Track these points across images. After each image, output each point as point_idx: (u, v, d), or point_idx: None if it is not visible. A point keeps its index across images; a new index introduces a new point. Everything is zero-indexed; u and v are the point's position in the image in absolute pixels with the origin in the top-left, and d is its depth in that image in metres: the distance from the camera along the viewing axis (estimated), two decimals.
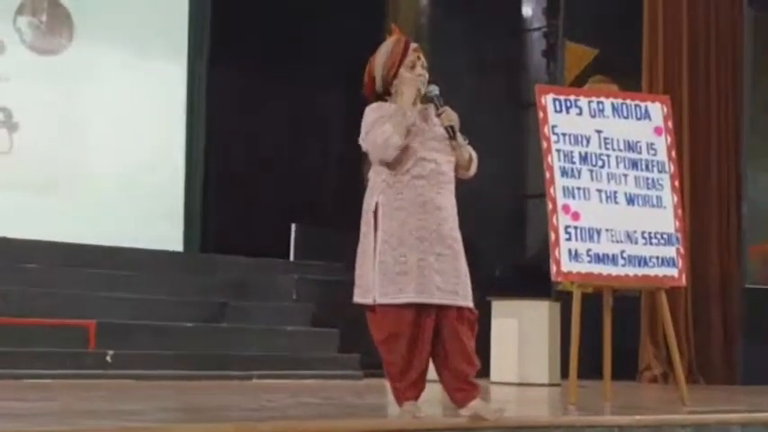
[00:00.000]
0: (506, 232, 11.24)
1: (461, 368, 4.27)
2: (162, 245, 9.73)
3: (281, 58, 10.64)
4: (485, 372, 8.71)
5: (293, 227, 10.46)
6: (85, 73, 9.95)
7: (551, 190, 6.00)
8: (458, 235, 4.34)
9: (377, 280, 4.19)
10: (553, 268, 5.92)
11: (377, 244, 4.22)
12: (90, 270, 8.59)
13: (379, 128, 4.23)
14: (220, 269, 9.61)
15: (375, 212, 4.26)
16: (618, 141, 6.17)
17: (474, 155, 4.46)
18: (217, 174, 10.69)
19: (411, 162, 4.26)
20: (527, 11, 11.88)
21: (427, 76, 4.39)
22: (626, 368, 8.70)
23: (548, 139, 6.06)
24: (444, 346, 4.26)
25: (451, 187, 4.38)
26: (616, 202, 6.06)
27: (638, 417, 4.89)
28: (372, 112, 4.33)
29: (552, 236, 5.94)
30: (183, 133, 10.47)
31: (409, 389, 4.29)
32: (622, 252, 6.00)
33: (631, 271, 6.02)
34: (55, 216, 9.43)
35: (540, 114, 6.14)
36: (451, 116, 4.34)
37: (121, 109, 10.03)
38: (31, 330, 7.39)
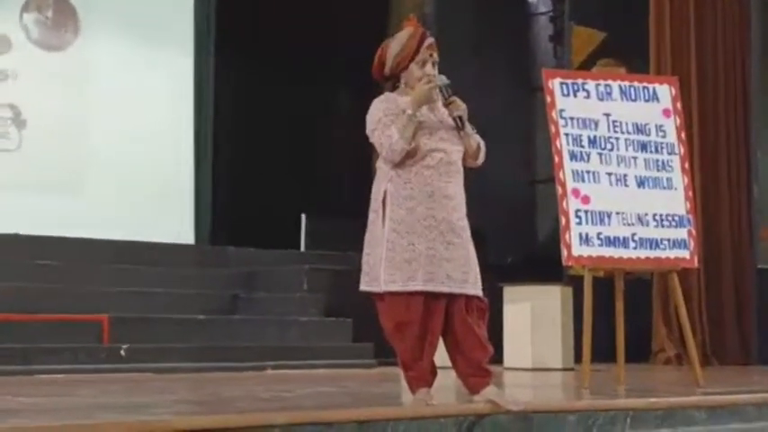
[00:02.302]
0: (517, 218, 11.22)
1: (474, 355, 4.28)
2: (173, 238, 9.76)
3: (288, 49, 10.64)
4: (498, 357, 8.74)
5: (303, 217, 10.47)
6: (92, 68, 9.97)
7: (561, 174, 5.98)
8: (466, 224, 4.35)
9: (384, 267, 4.20)
10: (564, 252, 5.90)
11: (385, 232, 4.22)
12: (102, 265, 8.63)
13: (385, 129, 4.24)
14: (232, 261, 9.63)
15: (383, 201, 4.26)
16: (627, 124, 6.14)
17: (482, 144, 4.46)
18: (226, 166, 10.71)
19: (420, 153, 4.26)
20: None
21: (436, 73, 4.37)
22: (639, 351, 8.70)
23: (556, 124, 6.04)
24: (456, 333, 4.27)
25: (460, 177, 4.37)
26: (626, 185, 6.04)
27: (652, 399, 4.88)
28: (378, 107, 4.33)
29: (563, 220, 5.92)
30: (191, 126, 10.49)
31: (422, 376, 4.31)
32: (633, 235, 5.98)
33: (643, 253, 6.00)
34: (65, 212, 9.46)
35: (548, 99, 6.11)
36: (460, 106, 4.34)
37: (129, 103, 10.05)
38: (44, 326, 7.43)
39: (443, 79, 4.36)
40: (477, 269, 4.32)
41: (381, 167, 4.35)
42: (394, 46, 4.37)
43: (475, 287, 4.28)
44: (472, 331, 4.25)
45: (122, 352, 7.38)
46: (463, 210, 4.35)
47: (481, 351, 4.28)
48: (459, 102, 4.34)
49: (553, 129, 6.04)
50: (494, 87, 10.85)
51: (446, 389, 4.92)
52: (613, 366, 6.31)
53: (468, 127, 4.38)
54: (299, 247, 10.31)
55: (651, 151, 6.15)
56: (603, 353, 6.98)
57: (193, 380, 6.76)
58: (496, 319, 8.79)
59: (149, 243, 9.28)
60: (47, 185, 9.51)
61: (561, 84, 6.12)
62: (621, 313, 6.10)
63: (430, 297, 4.21)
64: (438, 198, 4.24)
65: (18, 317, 7.38)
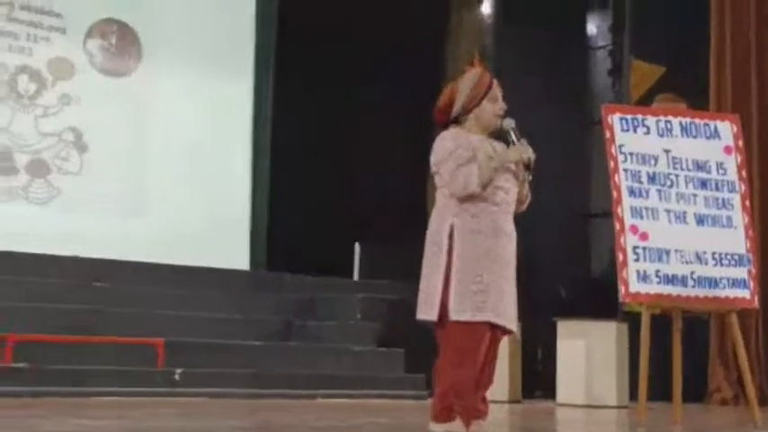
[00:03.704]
0: (571, 252, 11.14)
1: (488, 385, 4.43)
2: (229, 264, 9.82)
3: (345, 77, 10.70)
4: (551, 393, 8.66)
5: (357, 246, 10.49)
6: (153, 93, 10.11)
7: (619, 210, 5.95)
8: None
9: (454, 298, 4.28)
10: (621, 289, 5.86)
11: (452, 264, 4.32)
12: (158, 288, 8.70)
13: (462, 166, 4.33)
14: (286, 288, 9.66)
15: (450, 235, 4.35)
16: (687, 161, 6.10)
17: (529, 193, 4.59)
18: (282, 193, 10.77)
19: (488, 190, 4.37)
20: (592, 29, 11.81)
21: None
22: (695, 390, 8.57)
23: (615, 159, 6.02)
24: (486, 363, 4.40)
25: (512, 215, 4.51)
26: (685, 223, 5.99)
27: None
28: (451, 139, 4.43)
29: (620, 256, 5.88)
30: (249, 152, 10.58)
31: (475, 406, 4.35)
32: (692, 273, 5.92)
33: (701, 292, 5.94)
34: (123, 235, 9.57)
35: (607, 134, 6.09)
36: (529, 149, 4.44)
37: (188, 128, 10.17)
38: (100, 348, 7.51)
39: (511, 122, 4.46)
40: None
41: (445, 201, 4.42)
42: (466, 83, 4.48)
43: (517, 324, 4.47)
44: (494, 363, 4.44)
45: (176, 376, 7.43)
46: (515, 247, 4.49)
47: (491, 383, 4.44)
48: (527, 146, 4.44)
49: (612, 164, 6.01)
50: (550, 120, 10.81)
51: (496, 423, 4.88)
52: (668, 405, 6.23)
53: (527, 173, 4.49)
54: (352, 275, 10.32)
55: (711, 189, 6.10)
56: (659, 391, 6.89)
57: (246, 406, 6.78)
58: (550, 353, 8.73)
59: (205, 268, 9.35)
60: (106, 209, 9.63)
61: (621, 119, 6.10)
62: (679, 352, 6.03)
63: (492, 328, 4.33)
64: (501, 234, 4.38)
65: (75, 339, 7.47)
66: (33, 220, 9.26)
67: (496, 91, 4.48)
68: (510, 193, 4.44)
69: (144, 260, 9.12)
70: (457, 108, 4.47)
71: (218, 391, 7.34)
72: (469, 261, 4.30)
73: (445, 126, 4.51)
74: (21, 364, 7.01)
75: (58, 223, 9.34)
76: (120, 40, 10.04)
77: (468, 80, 4.48)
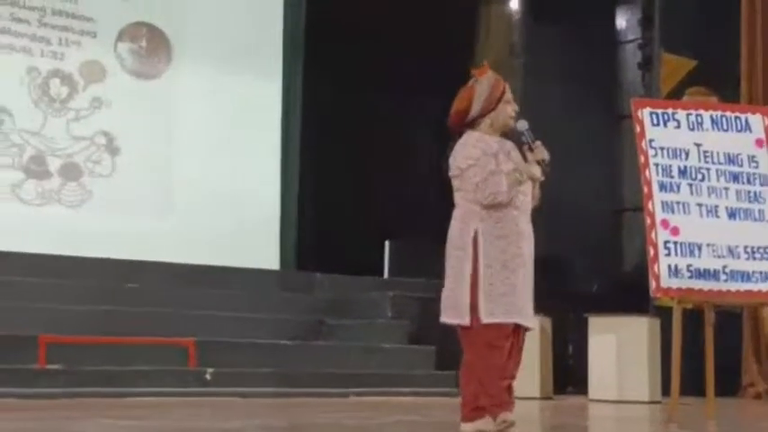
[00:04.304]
0: (602, 247, 11.09)
1: (514, 377, 4.50)
2: (259, 263, 9.86)
3: (374, 77, 10.70)
4: (583, 389, 8.62)
5: (387, 244, 10.49)
6: (183, 95, 10.16)
7: (649, 205, 5.91)
8: None
9: (484, 302, 4.37)
10: (652, 284, 5.82)
11: (479, 269, 4.40)
12: (189, 289, 8.75)
13: (492, 175, 4.40)
14: (316, 287, 9.68)
15: (475, 239, 4.43)
16: (718, 154, 6.05)
17: (539, 192, 4.65)
18: (311, 192, 10.79)
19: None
20: (621, 23, 11.75)
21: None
22: (728, 385, 8.51)
23: (645, 154, 5.98)
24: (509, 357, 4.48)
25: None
26: (717, 217, 5.94)
27: None
28: (474, 144, 4.48)
29: (651, 251, 5.84)
30: (278, 152, 10.61)
31: (505, 398, 4.43)
32: (724, 267, 5.87)
33: (734, 286, 5.89)
34: (154, 237, 9.63)
35: (637, 128, 6.05)
36: (544, 153, 4.50)
37: (217, 129, 10.21)
38: (132, 349, 7.55)
39: (525, 124, 4.51)
40: None
41: (468, 206, 4.48)
42: (483, 88, 4.54)
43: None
44: (518, 359, 4.51)
45: (208, 375, 7.47)
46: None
47: (514, 378, 4.51)
48: (542, 148, 4.49)
49: (642, 159, 5.97)
50: (580, 115, 10.77)
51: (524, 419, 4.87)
52: (701, 400, 6.19)
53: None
54: (382, 274, 10.32)
55: (743, 182, 6.05)
56: (691, 386, 6.84)
57: (277, 405, 6.80)
58: (581, 349, 8.69)
59: (235, 268, 9.39)
60: (137, 210, 9.70)
61: (651, 113, 6.06)
62: (711, 346, 5.98)
63: (515, 327, 4.43)
64: (523, 237, 4.48)
65: (107, 340, 7.52)
66: (66, 222, 9.34)
67: (509, 93, 4.58)
68: (528, 195, 4.54)
69: (175, 261, 9.17)
70: (475, 111, 4.53)
71: (248, 391, 7.37)
72: (497, 266, 4.39)
73: (458, 130, 4.56)
74: (55, 366, 7.08)
75: (91, 225, 9.41)
76: (150, 43, 10.10)
77: (484, 84, 4.54)
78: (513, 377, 4.48)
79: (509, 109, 4.54)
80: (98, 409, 5.84)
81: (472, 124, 4.54)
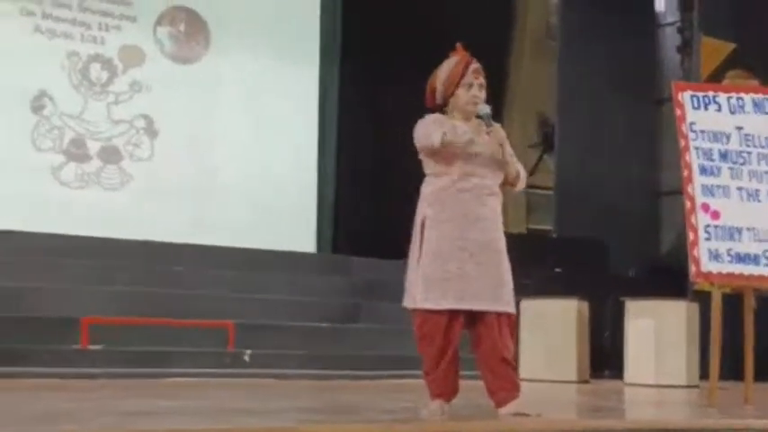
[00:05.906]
0: (640, 230, 11.04)
1: (500, 370, 4.45)
2: (296, 246, 9.92)
3: (410, 61, 10.69)
4: (619, 373, 8.60)
5: None
6: (221, 79, 10.23)
7: (689, 188, 5.87)
8: (501, 245, 4.49)
9: (420, 287, 4.42)
10: (692, 268, 5.79)
11: (422, 254, 4.44)
12: (227, 271, 8.83)
13: (432, 129, 4.44)
14: (353, 270, 9.73)
15: (422, 225, 4.48)
16: (759, 138, 5.99)
17: (522, 171, 4.62)
18: (348, 175, 10.82)
19: (457, 176, 4.45)
20: (660, 6, 11.65)
21: (483, 96, 4.52)
22: (766, 369, 8.45)
23: (685, 137, 5.94)
24: (485, 349, 4.46)
25: (496, 200, 4.53)
26: (758, 201, 5.88)
27: None
28: (429, 120, 4.53)
29: (691, 235, 5.81)
30: (315, 136, 10.66)
31: (437, 385, 4.52)
32: (765, 252, 5.82)
33: None
34: (193, 219, 9.72)
35: (678, 111, 6.01)
36: (500, 135, 4.48)
37: (255, 112, 10.28)
38: (172, 331, 7.64)
39: (486, 108, 4.47)
40: (511, 286, 4.48)
41: (423, 191, 4.56)
42: (441, 73, 4.56)
43: (507, 304, 4.45)
44: (499, 346, 4.43)
45: (246, 357, 7.54)
46: (498, 231, 4.50)
47: (507, 366, 4.46)
48: (499, 130, 4.47)
49: (683, 142, 5.93)
50: (619, 98, 10.71)
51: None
52: (739, 385, 6.16)
53: (508, 154, 4.52)
54: None
55: None
56: (729, 371, 6.81)
57: (314, 387, 6.85)
58: (618, 333, 8.67)
59: (273, 251, 9.45)
60: (176, 194, 9.79)
61: (692, 96, 6.02)
62: (751, 331, 5.95)
63: (453, 313, 4.40)
64: (472, 220, 4.42)
65: (147, 321, 7.62)
66: (105, 205, 9.45)
67: (470, 78, 4.49)
68: (486, 178, 4.46)
69: (214, 243, 9.25)
70: (438, 96, 4.57)
71: (286, 372, 7.43)
72: (436, 252, 4.39)
73: (435, 110, 4.58)
74: (97, 346, 7.18)
75: (129, 208, 9.52)
76: (188, 27, 10.18)
77: (444, 68, 4.55)
78: (451, 367, 4.47)
79: (467, 94, 4.47)
80: (138, 389, 5.92)
81: (443, 107, 4.55)
